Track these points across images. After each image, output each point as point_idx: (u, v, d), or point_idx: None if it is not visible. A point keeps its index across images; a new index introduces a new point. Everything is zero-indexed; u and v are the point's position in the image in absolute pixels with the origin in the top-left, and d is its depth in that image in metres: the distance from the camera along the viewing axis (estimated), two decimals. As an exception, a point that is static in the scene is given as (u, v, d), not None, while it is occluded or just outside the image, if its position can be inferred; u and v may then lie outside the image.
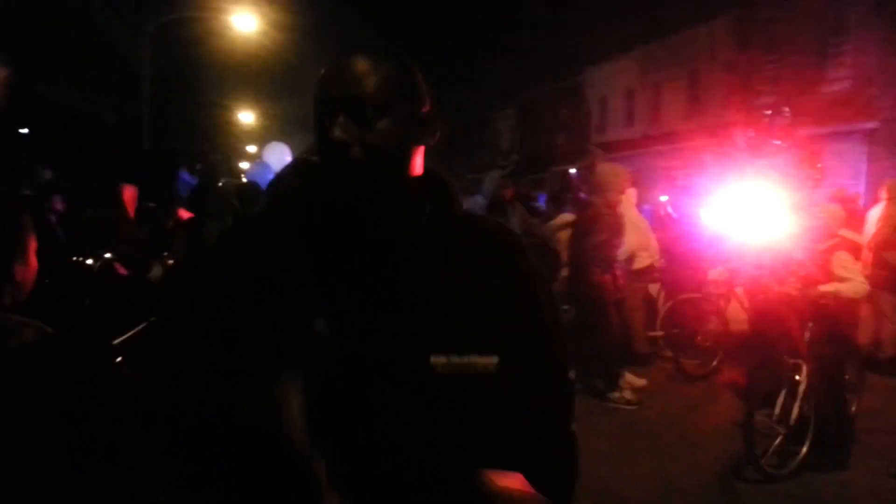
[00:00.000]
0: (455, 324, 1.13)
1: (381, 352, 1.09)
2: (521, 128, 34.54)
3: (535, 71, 30.94)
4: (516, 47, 31.84)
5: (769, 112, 7.55)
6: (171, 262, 6.28)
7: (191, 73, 20.57)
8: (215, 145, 22.15)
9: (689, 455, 4.73)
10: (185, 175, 8.78)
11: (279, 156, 9.43)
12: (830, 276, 4.74)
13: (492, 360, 1.13)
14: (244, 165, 20.74)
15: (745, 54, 18.86)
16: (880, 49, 14.74)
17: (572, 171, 15.37)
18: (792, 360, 4.51)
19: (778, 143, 7.47)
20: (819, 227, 4.95)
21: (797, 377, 4.43)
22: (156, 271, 5.46)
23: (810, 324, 4.68)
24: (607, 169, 6.14)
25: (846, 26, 15.74)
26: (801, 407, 4.38)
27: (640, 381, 5.97)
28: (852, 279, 4.78)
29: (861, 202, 13.67)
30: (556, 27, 29.33)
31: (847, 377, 5.04)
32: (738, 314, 6.51)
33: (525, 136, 34.00)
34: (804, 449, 4.37)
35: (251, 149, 26.92)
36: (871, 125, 14.67)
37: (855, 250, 8.01)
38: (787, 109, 7.30)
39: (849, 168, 15.12)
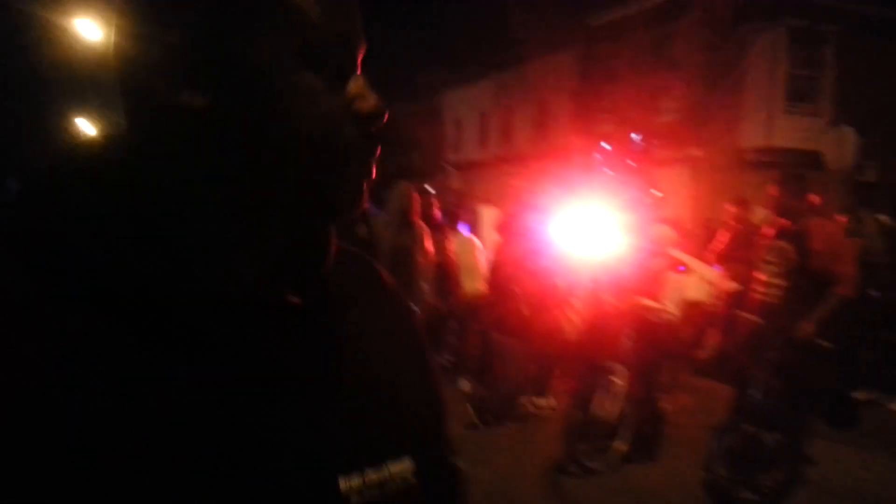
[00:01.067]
0: (359, 421, 0.73)
1: (271, 491, 0.65)
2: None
3: (394, 91, 31.38)
4: (377, 67, 32.16)
5: (633, 136, 8.13)
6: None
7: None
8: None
9: (519, 455, 5.03)
10: None
11: None
12: (661, 294, 5.27)
13: (407, 466, 0.75)
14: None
15: (586, 85, 20.15)
16: (703, 83, 16.28)
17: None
18: (612, 365, 4.93)
19: (631, 163, 8.04)
20: (648, 247, 5.44)
21: (617, 380, 4.85)
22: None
23: (631, 332, 5.13)
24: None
25: (674, 62, 17.24)
26: (620, 407, 4.79)
27: None
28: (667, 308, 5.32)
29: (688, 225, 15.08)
30: (417, 49, 29.96)
31: (662, 379, 5.54)
32: (571, 324, 6.95)
33: (382, 151, 34.21)
34: (623, 445, 4.79)
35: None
36: (695, 153, 16.11)
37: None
38: (638, 135, 7.91)
39: (676, 192, 16.53)
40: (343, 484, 0.69)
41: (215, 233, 0.66)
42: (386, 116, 0.69)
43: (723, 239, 8.06)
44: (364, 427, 0.73)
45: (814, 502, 4.39)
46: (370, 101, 0.68)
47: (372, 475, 0.71)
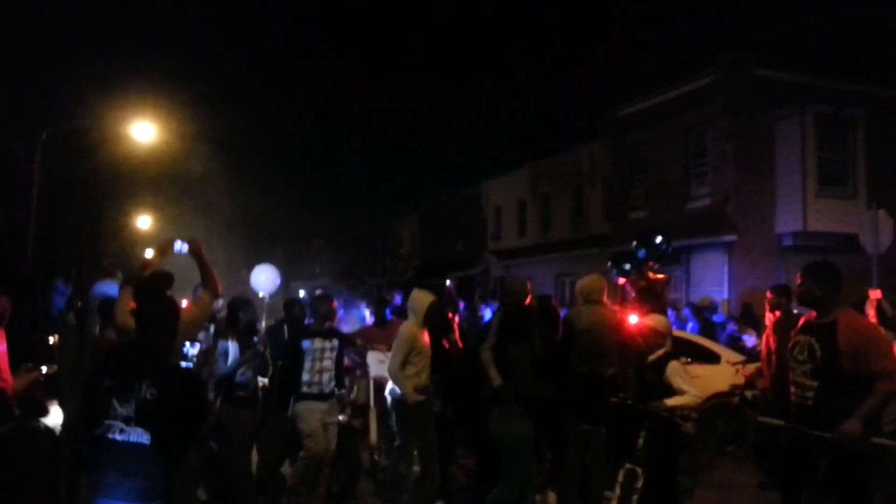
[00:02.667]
0: None
1: None
2: (422, 235, 35.54)
3: (435, 181, 32.36)
4: (418, 157, 33.31)
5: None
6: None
7: (86, 178, 20.39)
8: (107, 251, 21.75)
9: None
10: (59, 284, 8.70)
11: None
12: (668, 387, 5.02)
13: None
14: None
15: (619, 173, 20.51)
16: (735, 169, 16.46)
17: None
18: (629, 466, 4.88)
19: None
20: (646, 340, 5.31)
21: (635, 483, 4.80)
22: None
23: (643, 433, 4.97)
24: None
25: (704, 149, 17.50)
26: None
27: None
28: (688, 391, 5.00)
29: (727, 308, 14.96)
30: (456, 140, 31.00)
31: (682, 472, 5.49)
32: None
33: (425, 242, 34.98)
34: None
35: (148, 253, 26.34)
36: (730, 238, 16.14)
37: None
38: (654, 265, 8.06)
39: (713, 277, 16.48)
40: None
41: None
42: None
43: (767, 327, 7.91)
44: None
45: None
46: None
47: None
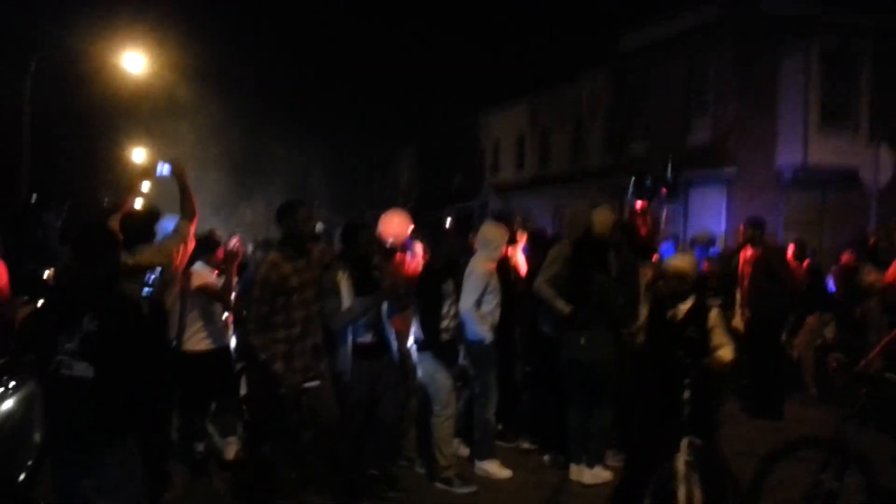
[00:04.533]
0: None
1: None
2: (420, 167, 35.29)
3: (433, 113, 31.92)
4: (416, 88, 32.79)
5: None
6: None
7: (78, 109, 20.08)
8: (104, 182, 21.60)
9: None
10: (52, 216, 8.59)
11: None
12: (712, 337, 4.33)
13: None
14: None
15: (620, 104, 20.23)
16: (737, 103, 16.22)
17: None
18: (689, 438, 4.06)
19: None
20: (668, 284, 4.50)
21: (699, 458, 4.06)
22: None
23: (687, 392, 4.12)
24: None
25: (706, 81, 17.20)
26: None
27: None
28: (728, 342, 4.36)
29: (724, 242, 14.96)
30: (455, 71, 30.44)
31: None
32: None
33: (423, 174, 34.75)
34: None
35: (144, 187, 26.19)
36: (730, 171, 16.01)
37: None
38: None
39: (712, 211, 16.44)
40: None
41: None
42: None
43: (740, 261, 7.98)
44: None
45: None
46: None
47: None
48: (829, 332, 10.10)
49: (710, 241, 13.68)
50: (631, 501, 4.26)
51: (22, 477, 4.02)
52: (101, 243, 3.15)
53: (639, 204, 7.36)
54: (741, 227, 7.60)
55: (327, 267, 4.72)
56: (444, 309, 5.30)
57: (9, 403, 4.36)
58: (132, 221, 4.69)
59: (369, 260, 4.96)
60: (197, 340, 5.23)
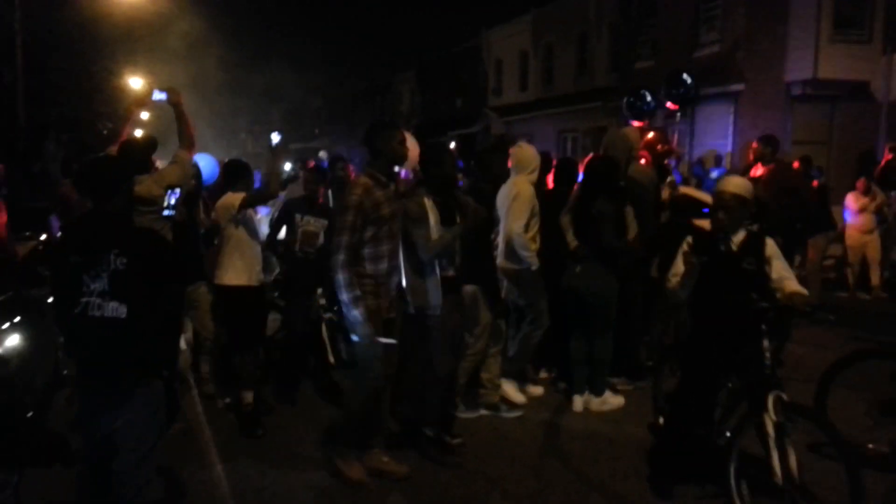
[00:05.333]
0: None
1: None
2: (421, 91, 34.69)
3: (434, 33, 31.17)
4: (416, 7, 31.88)
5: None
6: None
7: (71, 33, 19.56)
8: (102, 113, 21.28)
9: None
10: (49, 146, 8.49)
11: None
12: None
13: None
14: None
15: (626, 19, 19.63)
16: (746, 16, 15.71)
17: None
18: (776, 393, 3.53)
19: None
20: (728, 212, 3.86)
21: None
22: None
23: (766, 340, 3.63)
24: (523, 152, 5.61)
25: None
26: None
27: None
28: (791, 273, 3.83)
29: (730, 161, 14.78)
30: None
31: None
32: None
33: (424, 99, 34.20)
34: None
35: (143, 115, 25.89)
36: (738, 87, 15.66)
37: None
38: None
39: (719, 129, 16.17)
40: None
41: None
42: None
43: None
44: None
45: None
46: None
47: None
48: (834, 251, 10.12)
49: (717, 161, 13.57)
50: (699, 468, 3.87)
51: (30, 411, 4.06)
52: (112, 174, 3.00)
53: (636, 124, 7.16)
54: (753, 145, 7.43)
55: (405, 195, 4.38)
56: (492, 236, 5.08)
57: (14, 338, 4.40)
58: (130, 151, 4.60)
59: (454, 185, 4.61)
60: (232, 275, 4.92)
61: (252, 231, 5.01)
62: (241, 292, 4.89)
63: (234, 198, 4.91)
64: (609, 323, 5.25)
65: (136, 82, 27.81)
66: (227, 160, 5.68)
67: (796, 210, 7.54)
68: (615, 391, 5.54)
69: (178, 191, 4.03)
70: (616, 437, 4.85)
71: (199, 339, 5.54)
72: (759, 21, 15.57)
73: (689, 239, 3.87)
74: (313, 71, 35.54)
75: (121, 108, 24.65)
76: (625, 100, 7.70)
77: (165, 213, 4.09)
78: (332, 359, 5.26)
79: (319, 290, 5.37)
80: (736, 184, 3.85)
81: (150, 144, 5.42)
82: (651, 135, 6.80)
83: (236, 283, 4.88)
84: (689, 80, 7.71)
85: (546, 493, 4.07)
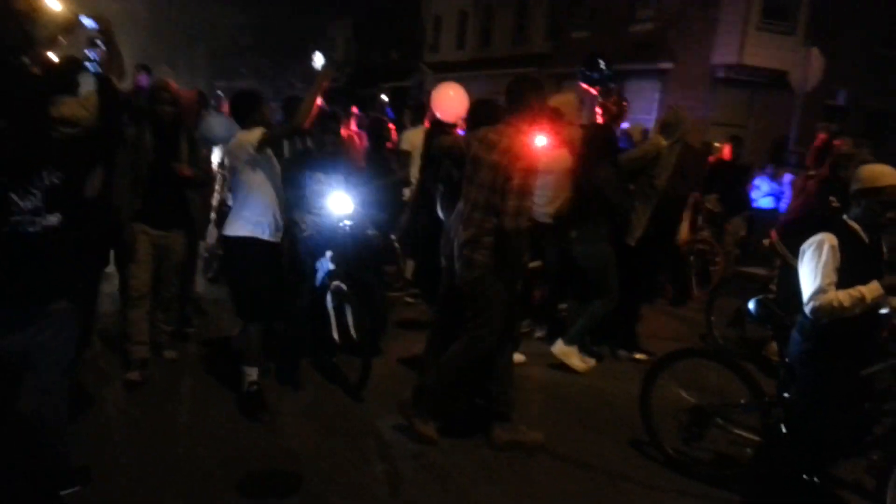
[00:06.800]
0: None
1: None
2: (356, 40, 34.04)
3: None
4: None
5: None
6: None
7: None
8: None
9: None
10: None
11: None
12: None
13: None
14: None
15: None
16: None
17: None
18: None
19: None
20: None
21: None
22: None
23: None
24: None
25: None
26: None
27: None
28: None
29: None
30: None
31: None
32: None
33: (359, 49, 33.59)
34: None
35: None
36: (667, 66, 16.15)
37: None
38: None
39: (645, 105, 16.67)
40: None
41: None
42: None
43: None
44: None
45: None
46: None
47: None
48: (742, 231, 10.71)
49: (644, 135, 14.01)
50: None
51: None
52: (20, 90, 2.84)
53: (593, 91, 7.25)
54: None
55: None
56: None
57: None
58: (52, 70, 4.36)
59: None
60: (237, 225, 4.26)
61: (271, 175, 4.28)
62: (244, 244, 4.18)
63: (247, 136, 4.17)
64: (604, 288, 5.20)
65: (52, 2, 26.16)
66: (232, 95, 4.79)
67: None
68: (595, 356, 5.52)
69: (100, 42, 3.61)
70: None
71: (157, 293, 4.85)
72: (692, 2, 16.04)
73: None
74: (242, 11, 34.15)
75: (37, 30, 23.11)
76: (581, 68, 7.81)
77: (89, 67, 3.68)
78: (336, 336, 4.59)
79: (329, 253, 4.68)
80: (882, 169, 3.30)
81: (73, 65, 5.16)
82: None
83: (241, 234, 4.19)
84: (603, 67, 7.84)
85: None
